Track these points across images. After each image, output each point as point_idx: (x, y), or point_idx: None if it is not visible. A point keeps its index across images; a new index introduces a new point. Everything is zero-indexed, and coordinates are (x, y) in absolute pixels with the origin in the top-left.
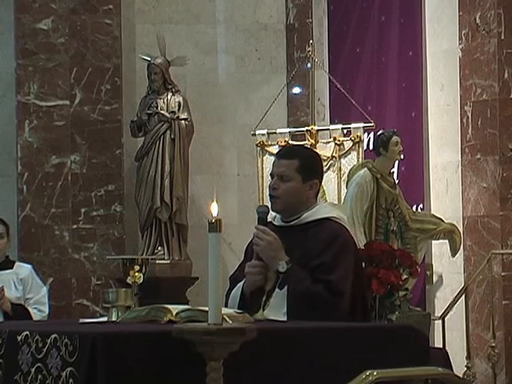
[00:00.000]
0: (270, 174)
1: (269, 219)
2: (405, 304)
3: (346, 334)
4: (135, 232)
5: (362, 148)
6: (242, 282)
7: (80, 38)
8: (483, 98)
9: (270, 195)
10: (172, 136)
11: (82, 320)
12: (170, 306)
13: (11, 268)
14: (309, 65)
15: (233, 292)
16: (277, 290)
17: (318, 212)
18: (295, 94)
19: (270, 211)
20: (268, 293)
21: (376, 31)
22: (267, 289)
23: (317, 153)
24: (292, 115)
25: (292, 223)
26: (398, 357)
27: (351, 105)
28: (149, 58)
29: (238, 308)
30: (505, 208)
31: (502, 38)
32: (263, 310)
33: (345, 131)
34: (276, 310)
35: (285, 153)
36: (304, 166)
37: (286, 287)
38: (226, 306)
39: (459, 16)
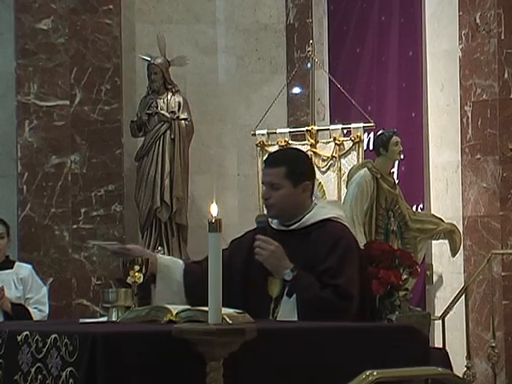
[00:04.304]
0: (262, 183)
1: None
2: (405, 304)
3: (345, 334)
4: (135, 232)
5: (362, 148)
6: None
7: (80, 38)
8: (483, 98)
9: (264, 204)
10: (172, 136)
11: (82, 320)
12: (170, 306)
13: (11, 268)
14: (309, 65)
15: None
16: (285, 297)
17: (318, 213)
18: (295, 93)
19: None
20: (275, 300)
21: (376, 31)
22: (274, 296)
23: (303, 152)
24: (292, 115)
25: (292, 227)
26: (398, 357)
27: (351, 105)
28: (149, 58)
29: None
30: (505, 208)
31: (502, 37)
32: (273, 317)
33: (345, 131)
34: (287, 317)
35: (270, 161)
36: (291, 171)
37: (294, 295)
38: None
39: (459, 16)
